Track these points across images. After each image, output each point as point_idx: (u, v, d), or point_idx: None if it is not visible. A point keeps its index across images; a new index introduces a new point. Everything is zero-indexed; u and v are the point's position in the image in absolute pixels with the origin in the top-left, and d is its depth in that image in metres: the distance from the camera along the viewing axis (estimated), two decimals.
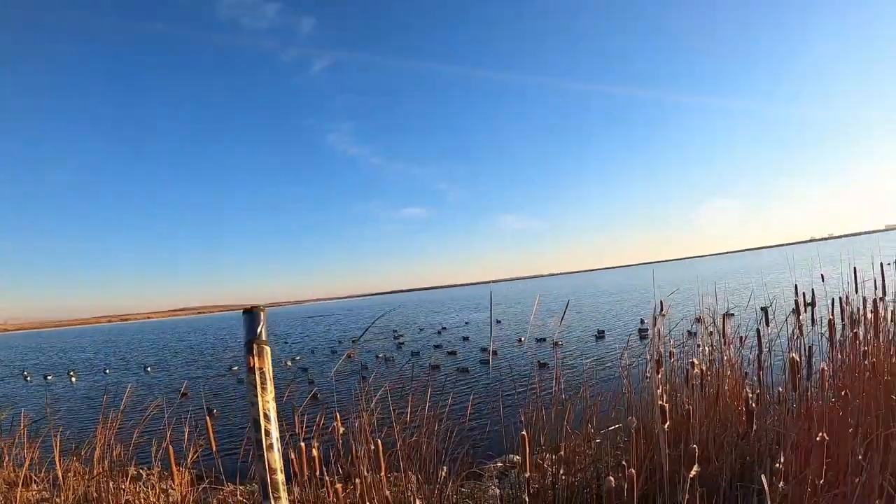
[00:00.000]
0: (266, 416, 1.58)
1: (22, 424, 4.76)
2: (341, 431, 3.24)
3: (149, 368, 31.00)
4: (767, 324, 4.28)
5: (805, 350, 3.95)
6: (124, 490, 3.98)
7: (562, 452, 3.67)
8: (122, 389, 22.41)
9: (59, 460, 4.14)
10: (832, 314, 4.12)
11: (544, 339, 23.32)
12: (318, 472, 3.05)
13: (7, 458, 4.65)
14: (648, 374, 4.05)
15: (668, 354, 4.19)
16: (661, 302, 4.43)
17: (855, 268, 4.69)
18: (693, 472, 2.32)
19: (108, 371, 31.88)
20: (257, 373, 1.59)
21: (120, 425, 4.30)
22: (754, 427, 3.29)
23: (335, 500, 2.92)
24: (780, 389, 3.66)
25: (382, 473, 2.80)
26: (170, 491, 4.42)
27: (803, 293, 4.62)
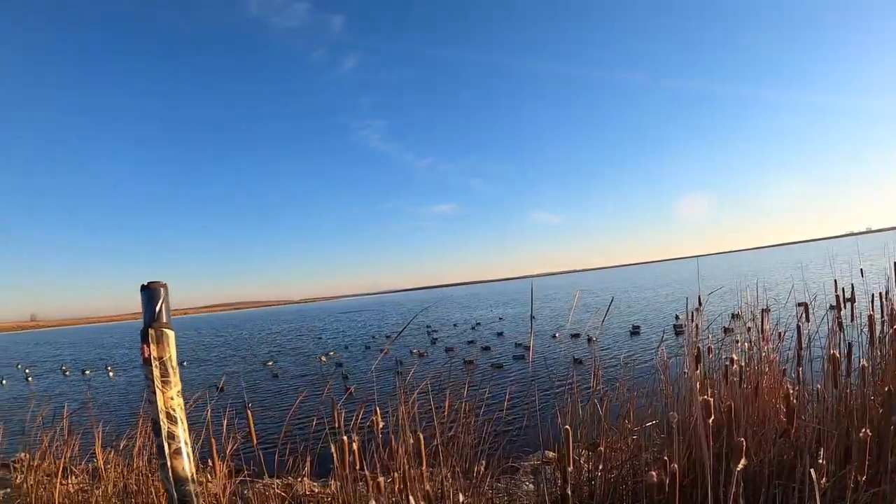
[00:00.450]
0: (170, 416, 1.53)
1: (64, 415, 4.90)
2: (381, 426, 3.30)
3: (185, 363, 31.43)
4: (807, 319, 4.26)
5: (845, 347, 3.94)
6: (158, 478, 4.06)
7: (601, 448, 3.70)
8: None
9: (100, 453, 4.25)
10: (872, 310, 4.09)
11: (578, 335, 23.38)
12: (357, 466, 3.11)
13: (48, 451, 4.77)
14: (686, 370, 4.07)
15: (706, 350, 4.19)
16: (698, 297, 4.44)
17: (895, 263, 4.66)
18: (740, 465, 2.35)
19: None
20: (155, 364, 1.51)
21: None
22: (794, 424, 3.30)
23: (376, 493, 2.98)
24: (820, 386, 3.65)
25: (423, 467, 2.86)
26: (206, 483, 4.53)
27: (842, 288, 4.59)
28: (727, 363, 3.88)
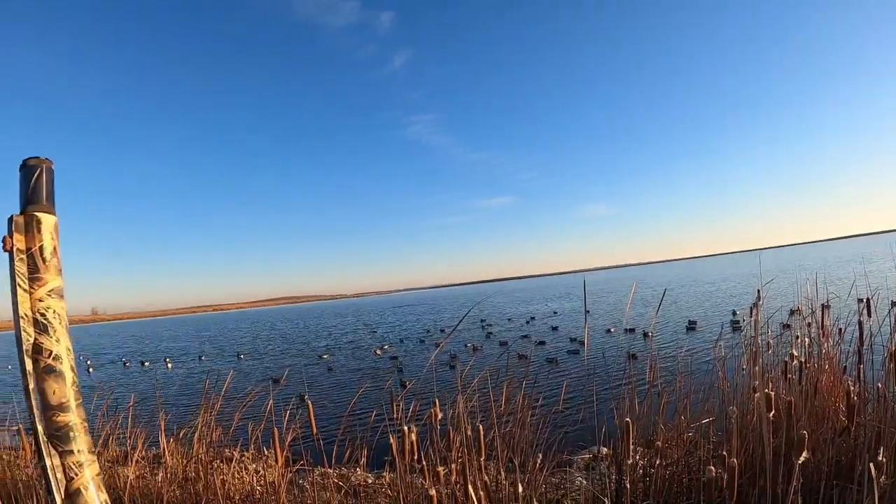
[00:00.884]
0: (37, 322, 1.20)
1: (130, 405, 5.07)
2: (439, 417, 3.36)
3: (242, 356, 32.15)
4: (869, 315, 4.20)
5: None
6: (221, 470, 4.20)
7: (658, 444, 3.72)
8: (217, 376, 23.33)
9: (164, 441, 4.40)
10: None
11: (633, 330, 23.35)
12: (415, 458, 3.18)
13: (112, 438, 4.95)
14: (745, 367, 4.06)
15: (765, 346, 4.17)
16: (757, 291, 4.42)
17: None
18: (802, 458, 2.36)
19: (202, 358, 33.24)
20: (19, 256, 1.17)
21: (219, 410, 4.54)
22: (854, 423, 3.28)
23: (434, 483, 3.04)
24: (881, 385, 3.62)
25: (482, 458, 2.92)
26: (262, 471, 4.66)
27: None
28: (786, 359, 3.86)
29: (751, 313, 4.44)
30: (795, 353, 3.80)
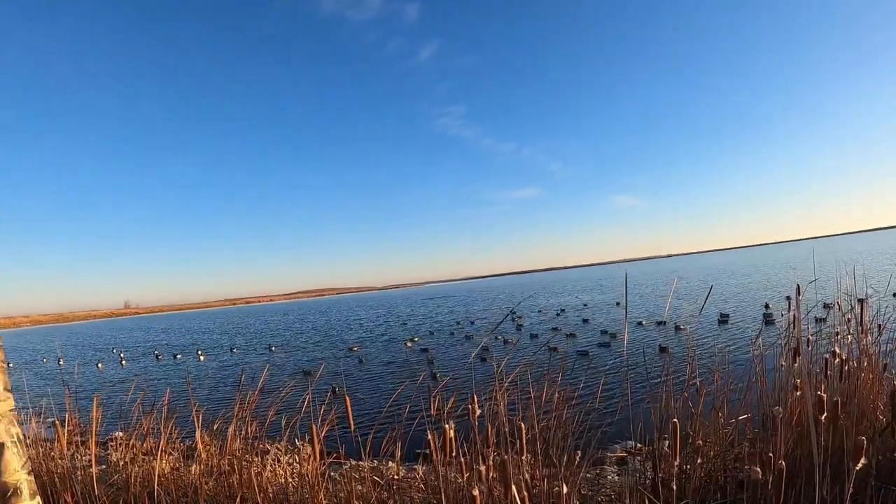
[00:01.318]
0: None
1: (165, 400, 5.08)
2: (477, 413, 3.32)
3: (273, 348, 32.35)
4: None
5: None
6: (254, 463, 4.18)
7: (699, 442, 3.66)
8: (249, 368, 23.52)
9: (200, 434, 4.40)
10: None
11: (664, 322, 23.32)
12: (453, 453, 3.13)
13: (147, 431, 4.96)
14: (783, 363, 3.98)
15: (805, 342, 4.07)
16: (797, 286, 4.33)
17: None
18: (860, 465, 2.29)
19: (234, 351, 33.49)
20: None
21: (256, 404, 4.54)
22: None
23: (477, 479, 3.00)
24: None
25: (524, 456, 2.87)
26: (295, 464, 4.65)
27: None
28: (827, 356, 3.78)
29: (789, 307, 4.36)
30: (838, 350, 3.71)
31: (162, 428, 4.72)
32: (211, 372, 24.07)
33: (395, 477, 4.40)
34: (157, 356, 34.65)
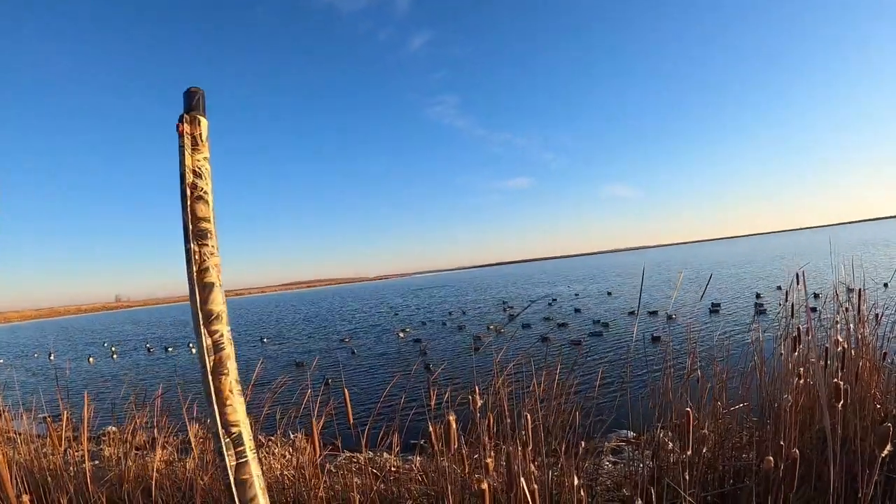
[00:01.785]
0: (197, 173, 1.83)
1: (157, 394, 4.98)
2: (479, 405, 3.24)
3: (265, 340, 32.14)
4: None
5: None
6: None
7: (704, 431, 3.59)
8: (241, 361, 23.70)
9: (191, 427, 4.30)
10: None
11: (656, 312, 23.41)
12: (456, 445, 3.05)
13: (137, 425, 4.86)
14: (782, 352, 3.93)
15: (805, 330, 4.01)
16: (796, 274, 4.28)
17: None
18: (885, 452, 2.23)
19: None
20: (187, 136, 1.81)
21: (250, 397, 4.45)
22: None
23: (478, 472, 2.94)
24: None
25: (530, 448, 2.79)
26: (290, 457, 4.56)
27: None
28: (827, 345, 3.74)
29: (786, 297, 4.32)
30: (840, 339, 3.66)
31: (155, 422, 4.63)
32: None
33: (392, 468, 4.33)
34: (148, 349, 34.16)
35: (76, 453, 4.52)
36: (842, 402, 2.53)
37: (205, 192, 1.86)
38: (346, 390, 3.44)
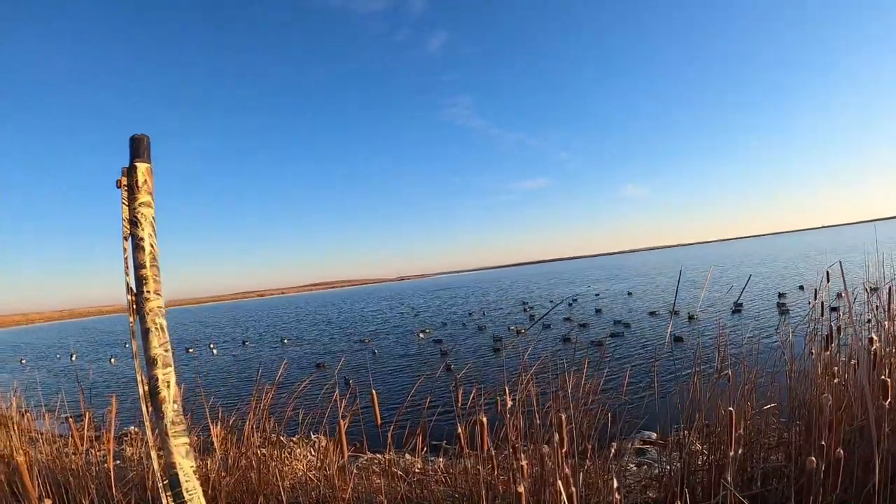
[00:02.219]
0: (133, 222, 1.93)
1: (181, 395, 4.92)
2: (510, 405, 3.18)
3: (286, 341, 32.06)
4: None
5: None
6: (273, 458, 4.05)
7: (739, 432, 3.50)
8: (262, 362, 23.37)
9: (214, 428, 4.25)
10: None
11: (678, 312, 23.07)
12: (488, 447, 2.99)
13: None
14: (812, 351, 3.83)
15: (836, 329, 3.91)
16: (826, 272, 4.19)
17: None
18: None
19: (246, 344, 33.15)
20: (124, 189, 1.92)
21: (272, 400, 4.39)
22: None
23: (512, 476, 2.87)
24: None
25: (565, 449, 2.72)
26: (312, 458, 4.50)
27: None
28: (859, 344, 3.64)
29: (815, 296, 4.23)
30: (875, 338, 3.56)
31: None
32: (224, 365, 23.90)
33: (416, 470, 4.26)
34: None
35: (98, 453, 4.48)
36: (889, 399, 2.44)
37: (141, 240, 1.96)
38: (374, 392, 3.38)
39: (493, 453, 3.30)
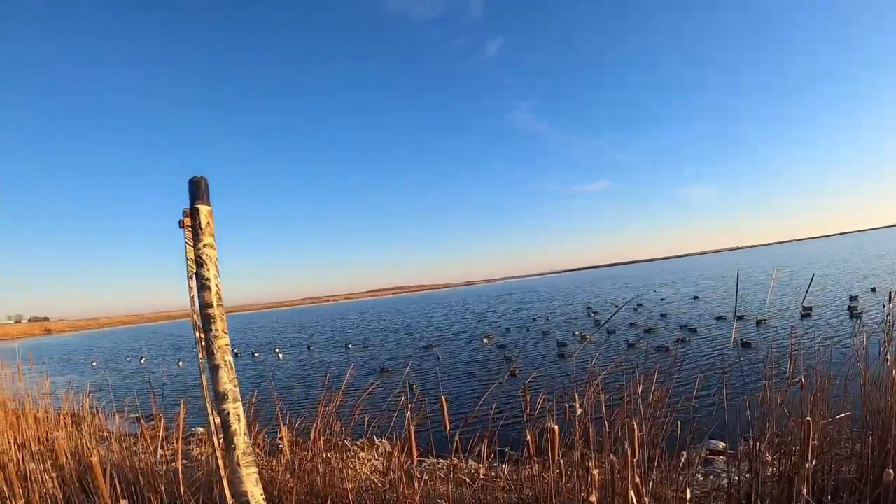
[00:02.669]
0: (199, 262, 2.08)
1: (252, 398, 5.03)
2: (579, 412, 3.15)
3: (350, 346, 32.28)
4: None
5: None
6: (338, 461, 4.09)
7: (814, 442, 3.41)
8: (327, 366, 23.61)
9: (285, 432, 4.32)
10: None
11: (743, 317, 22.45)
12: (557, 455, 2.97)
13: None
14: (889, 357, 3.70)
15: None
16: None
17: None
18: None
19: (311, 349, 33.48)
20: (187, 227, 2.05)
21: (341, 404, 4.44)
22: None
23: (581, 484, 2.85)
24: None
25: (636, 458, 2.68)
26: (376, 462, 4.54)
27: None
28: None
29: (890, 299, 4.10)
30: None
31: (249, 425, 4.67)
32: (290, 370, 24.14)
33: (481, 475, 4.25)
34: (236, 354, 34.07)
35: (165, 453, 4.60)
36: None
37: (207, 280, 2.10)
38: (443, 397, 3.39)
39: (562, 461, 3.26)
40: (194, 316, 2.08)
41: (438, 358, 22.46)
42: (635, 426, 2.65)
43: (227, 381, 2.05)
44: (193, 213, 2.03)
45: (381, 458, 4.44)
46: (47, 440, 5.17)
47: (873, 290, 26.67)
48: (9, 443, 4.92)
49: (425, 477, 4.19)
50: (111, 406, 6.01)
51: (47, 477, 3.77)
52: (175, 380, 23.69)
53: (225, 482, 2.03)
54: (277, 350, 33.61)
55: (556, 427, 2.76)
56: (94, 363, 37.99)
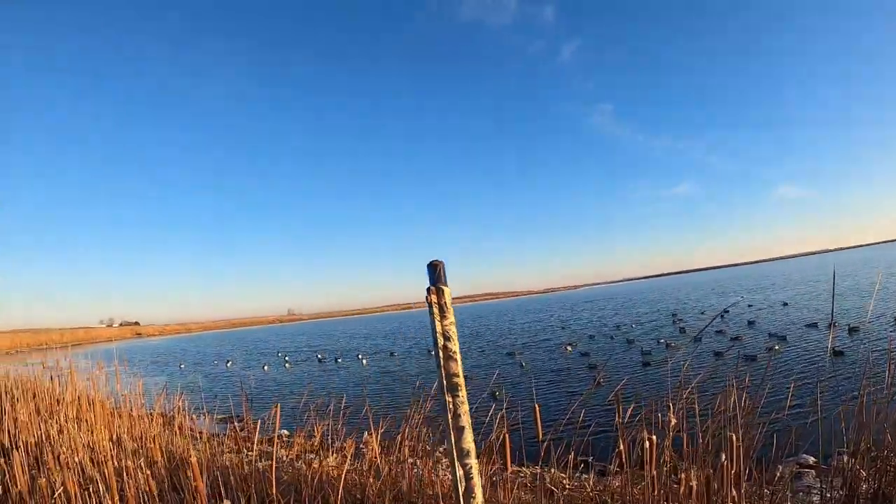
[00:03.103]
0: (445, 335, 2.34)
1: (342, 405, 5.14)
2: (673, 423, 3.13)
3: (432, 353, 32.45)
4: None
5: None
6: (423, 467, 4.14)
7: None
8: (408, 373, 23.82)
9: (371, 436, 4.39)
10: None
11: (835, 324, 21.50)
12: (653, 467, 2.96)
13: (317, 431, 5.03)
14: None
15: None
16: None
17: None
18: None
19: (394, 355, 33.78)
20: (435, 306, 2.30)
21: (430, 410, 4.50)
22: None
23: (673, 496, 2.82)
24: None
25: (733, 471, 2.65)
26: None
27: None
28: None
29: None
30: None
31: (329, 427, 4.78)
32: (374, 376, 24.36)
33: (566, 485, 4.25)
34: (319, 359, 35.17)
35: (254, 454, 4.73)
36: None
37: (454, 353, 2.36)
38: (537, 405, 3.41)
39: (654, 473, 3.24)
40: (444, 382, 2.34)
41: (522, 365, 22.24)
42: (733, 437, 2.62)
43: (470, 440, 2.28)
44: (439, 293, 2.31)
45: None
46: (141, 438, 5.36)
47: None
48: (105, 440, 5.13)
49: (504, 484, 4.20)
50: (200, 407, 6.20)
51: (141, 473, 3.90)
52: (261, 384, 24.23)
53: None
54: (360, 356, 33.93)
55: (653, 437, 2.75)
56: (182, 366, 39.38)
